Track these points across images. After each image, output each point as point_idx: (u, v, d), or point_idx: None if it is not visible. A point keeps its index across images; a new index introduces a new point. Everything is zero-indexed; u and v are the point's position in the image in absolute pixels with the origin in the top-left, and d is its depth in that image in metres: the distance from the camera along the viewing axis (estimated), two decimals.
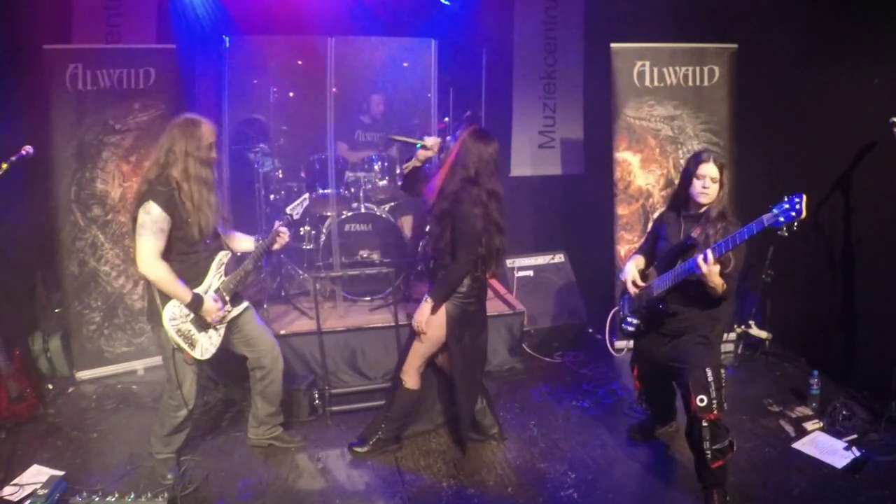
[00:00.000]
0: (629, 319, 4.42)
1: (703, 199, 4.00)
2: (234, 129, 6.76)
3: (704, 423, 3.90)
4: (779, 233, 3.47)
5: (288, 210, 4.54)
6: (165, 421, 4.30)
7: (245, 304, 4.42)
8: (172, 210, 3.89)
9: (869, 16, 5.23)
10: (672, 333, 4.18)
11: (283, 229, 4.39)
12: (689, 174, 4.08)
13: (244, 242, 4.46)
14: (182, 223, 3.95)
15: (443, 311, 4.33)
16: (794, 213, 3.39)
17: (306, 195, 4.66)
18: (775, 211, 3.46)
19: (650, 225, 6.21)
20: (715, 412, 3.89)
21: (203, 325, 4.14)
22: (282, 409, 4.80)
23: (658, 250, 4.32)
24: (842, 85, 5.55)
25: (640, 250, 4.54)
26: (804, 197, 3.38)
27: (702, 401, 3.89)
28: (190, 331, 4.09)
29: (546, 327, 6.65)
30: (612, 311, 4.75)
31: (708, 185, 3.96)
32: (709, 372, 3.92)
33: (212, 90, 6.51)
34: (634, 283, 4.30)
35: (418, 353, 4.52)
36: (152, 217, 3.85)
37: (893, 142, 4.54)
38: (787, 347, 6.27)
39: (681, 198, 4.20)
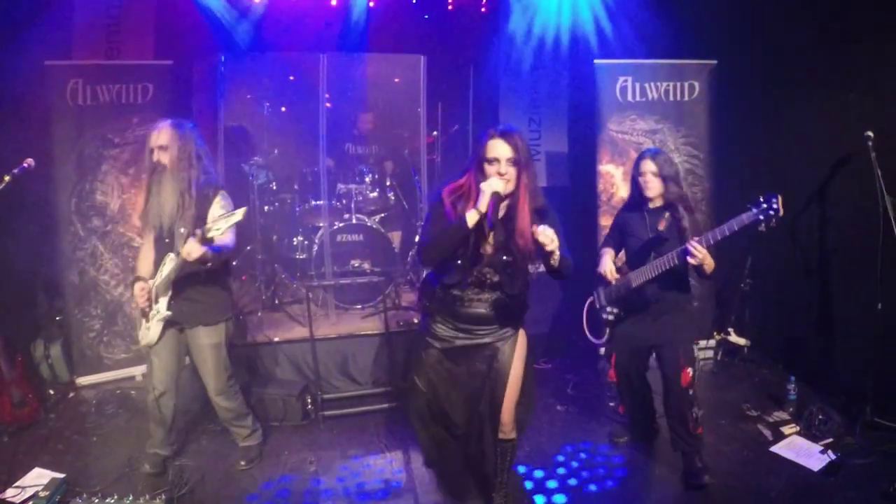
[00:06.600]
0: (608, 309, 4.67)
1: (647, 193, 4.35)
2: (226, 138, 6.84)
3: (691, 392, 4.33)
4: (759, 229, 3.80)
5: (207, 227, 3.91)
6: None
7: (167, 314, 4.27)
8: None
9: (844, 33, 5.34)
10: (653, 315, 4.45)
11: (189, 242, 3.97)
12: (633, 176, 4.48)
13: None
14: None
15: (524, 339, 3.87)
16: (772, 212, 3.73)
17: (241, 210, 3.88)
18: (754, 210, 3.79)
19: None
20: (694, 384, 4.36)
21: (143, 312, 4.34)
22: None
23: (628, 246, 4.59)
24: (818, 99, 5.66)
25: (608, 244, 4.77)
26: (780, 197, 3.70)
27: (689, 372, 4.31)
28: (141, 311, 4.35)
29: (531, 335, 6.50)
30: (588, 301, 4.91)
31: (648, 179, 4.32)
32: (693, 347, 4.40)
33: (208, 105, 6.61)
34: (612, 274, 4.54)
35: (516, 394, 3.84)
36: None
37: (868, 155, 4.68)
38: (765, 354, 6.35)
39: (637, 198, 4.49)
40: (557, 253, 3.25)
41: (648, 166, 4.32)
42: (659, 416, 5.02)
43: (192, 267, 4.05)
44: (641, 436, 4.99)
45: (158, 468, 4.55)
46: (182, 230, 4.15)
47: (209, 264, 4.06)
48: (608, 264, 4.56)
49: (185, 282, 4.23)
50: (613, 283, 4.57)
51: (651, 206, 4.40)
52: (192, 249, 3.88)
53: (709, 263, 4.05)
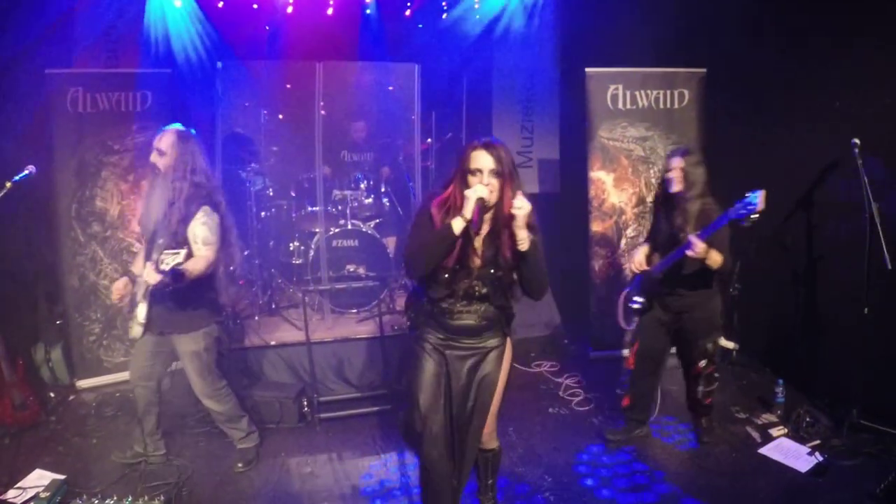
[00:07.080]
0: (635, 298, 4.96)
1: (673, 188, 4.54)
2: (224, 146, 6.90)
3: (701, 377, 4.83)
4: (742, 223, 3.99)
5: (159, 258, 4.00)
6: None
7: (141, 321, 4.40)
8: None
9: (832, 41, 5.39)
10: (676, 310, 4.76)
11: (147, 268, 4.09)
12: (663, 174, 4.71)
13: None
14: None
15: (510, 351, 3.78)
16: (751, 207, 3.90)
17: (183, 252, 4.01)
18: (737, 205, 3.97)
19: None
20: (710, 368, 4.82)
21: (131, 309, 4.47)
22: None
23: (656, 242, 4.86)
24: (806, 107, 5.69)
25: (647, 240, 5.07)
26: (762, 193, 3.87)
27: (702, 364, 4.80)
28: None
29: (524, 338, 6.77)
30: (624, 293, 5.17)
31: (675, 175, 4.52)
32: (709, 346, 4.77)
33: (205, 112, 6.67)
34: (639, 265, 4.89)
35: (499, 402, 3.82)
36: None
37: (854, 162, 4.74)
38: (753, 357, 6.38)
39: (663, 195, 4.72)
40: (525, 234, 3.31)
41: (675, 162, 4.55)
42: (653, 420, 5.22)
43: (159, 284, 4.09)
44: (637, 419, 5.13)
45: (125, 458, 4.70)
46: (160, 240, 4.21)
47: (170, 288, 4.10)
48: (637, 256, 4.93)
49: (163, 291, 4.23)
50: (639, 272, 4.88)
51: (673, 202, 4.58)
52: (149, 276, 4.01)
53: (712, 258, 4.30)
